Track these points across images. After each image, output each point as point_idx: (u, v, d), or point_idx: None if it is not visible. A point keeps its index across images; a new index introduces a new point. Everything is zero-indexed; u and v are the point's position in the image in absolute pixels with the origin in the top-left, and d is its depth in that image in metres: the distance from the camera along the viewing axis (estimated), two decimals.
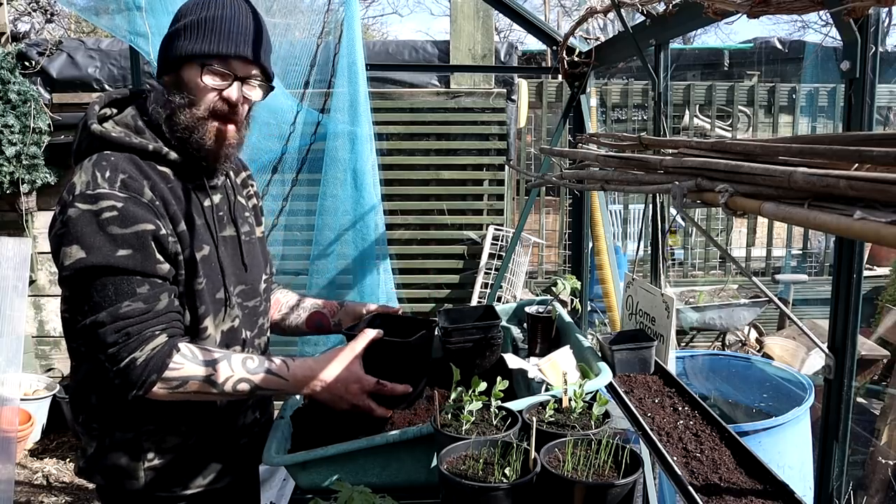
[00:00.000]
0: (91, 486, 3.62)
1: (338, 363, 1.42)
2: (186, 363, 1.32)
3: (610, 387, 1.55)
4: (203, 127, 1.37)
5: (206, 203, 1.46)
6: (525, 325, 1.96)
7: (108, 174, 1.29)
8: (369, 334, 1.46)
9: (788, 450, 2.66)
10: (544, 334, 1.86)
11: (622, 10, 1.81)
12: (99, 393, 1.42)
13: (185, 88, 1.36)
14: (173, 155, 1.39)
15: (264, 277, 1.62)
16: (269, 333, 1.68)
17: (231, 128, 1.40)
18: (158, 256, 1.32)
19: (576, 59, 2.47)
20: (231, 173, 1.58)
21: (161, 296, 1.32)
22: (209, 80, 1.35)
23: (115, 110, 1.46)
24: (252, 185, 1.69)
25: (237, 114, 1.39)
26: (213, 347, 1.40)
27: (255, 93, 1.42)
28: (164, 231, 1.32)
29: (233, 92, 1.37)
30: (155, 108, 1.39)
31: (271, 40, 1.47)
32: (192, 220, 1.40)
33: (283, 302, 1.78)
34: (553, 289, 2.00)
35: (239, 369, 1.36)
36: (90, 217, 1.26)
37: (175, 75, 1.38)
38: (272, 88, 1.48)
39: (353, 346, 1.44)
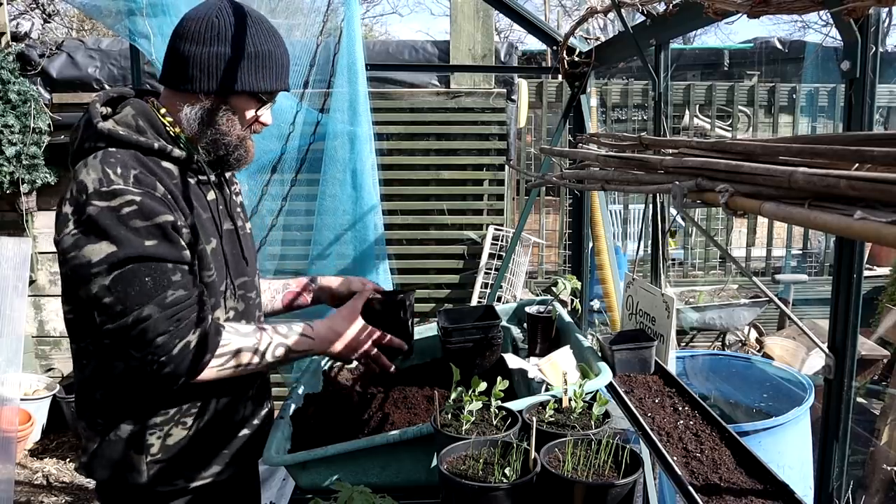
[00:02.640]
0: (91, 485, 3.61)
1: (349, 319, 1.58)
2: (233, 337, 1.39)
3: (610, 387, 1.55)
4: (244, 145, 1.47)
5: (210, 197, 1.49)
6: (525, 325, 1.96)
7: (119, 170, 1.30)
8: (364, 294, 1.65)
9: (788, 450, 2.66)
10: (544, 334, 1.86)
11: (622, 10, 1.81)
12: (105, 389, 1.43)
13: (230, 110, 1.42)
14: (177, 152, 1.41)
15: (258, 271, 1.67)
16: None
17: (253, 141, 1.52)
18: (183, 244, 1.35)
19: (576, 59, 2.47)
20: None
21: (194, 282, 1.36)
22: (261, 111, 1.46)
23: (109, 109, 1.46)
24: (236, 183, 1.72)
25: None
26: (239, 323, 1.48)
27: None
28: (180, 222, 1.35)
29: (269, 117, 1.49)
30: (190, 122, 1.42)
31: None
32: (200, 214, 1.43)
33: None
34: (553, 289, 2.00)
35: (274, 334, 1.45)
36: (110, 213, 1.26)
37: (224, 98, 1.41)
38: None
39: (354, 306, 1.60)
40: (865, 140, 0.74)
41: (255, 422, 1.61)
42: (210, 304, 1.42)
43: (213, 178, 1.50)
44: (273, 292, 1.81)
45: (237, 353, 1.38)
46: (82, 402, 1.48)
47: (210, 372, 1.36)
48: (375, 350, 1.59)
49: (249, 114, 1.44)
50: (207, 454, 1.50)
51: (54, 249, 1.34)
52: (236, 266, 1.53)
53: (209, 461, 1.50)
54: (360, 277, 1.89)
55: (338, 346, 1.54)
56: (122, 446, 1.43)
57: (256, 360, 1.41)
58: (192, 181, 1.45)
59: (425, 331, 1.99)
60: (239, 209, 1.64)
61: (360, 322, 1.58)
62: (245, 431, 1.57)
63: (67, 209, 1.30)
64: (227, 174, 1.63)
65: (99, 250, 1.26)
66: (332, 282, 1.83)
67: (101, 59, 4.41)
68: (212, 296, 1.43)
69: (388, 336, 1.61)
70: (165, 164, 1.40)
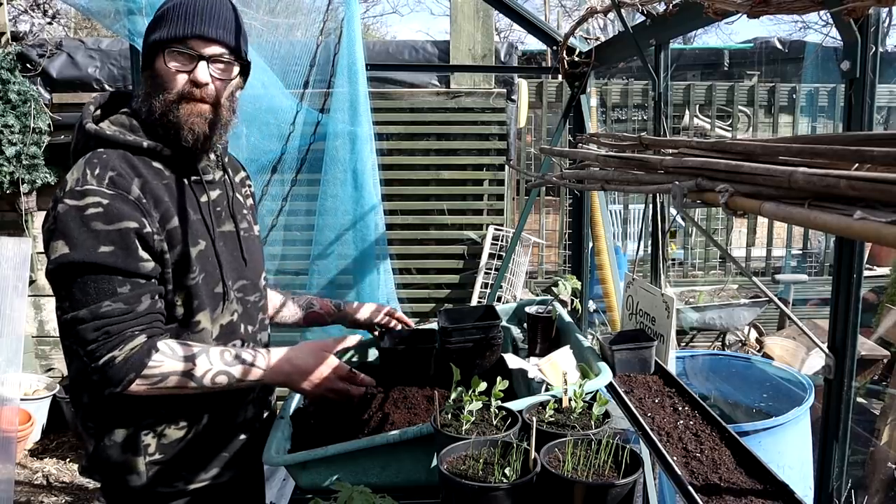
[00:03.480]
0: (91, 485, 3.61)
1: (314, 355, 1.50)
2: (166, 360, 1.34)
3: (610, 387, 1.55)
4: (176, 110, 1.38)
5: (203, 199, 1.47)
6: (525, 325, 1.96)
7: (97, 171, 1.31)
8: (350, 340, 1.64)
9: (788, 450, 2.66)
10: (544, 334, 1.86)
11: (622, 10, 1.81)
12: (90, 391, 1.42)
13: (156, 77, 1.39)
14: (167, 151, 1.41)
15: (263, 274, 1.65)
16: (269, 329, 1.70)
17: (204, 106, 1.41)
18: (142, 254, 1.33)
19: (576, 59, 2.47)
20: (230, 171, 1.59)
21: (143, 297, 1.33)
22: (173, 63, 1.38)
23: (109, 111, 1.47)
24: (249, 186, 1.71)
25: (209, 93, 1.40)
26: (194, 342, 1.41)
27: (227, 70, 1.43)
28: (149, 229, 1.33)
29: (199, 72, 1.38)
30: (137, 104, 1.42)
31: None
32: (187, 216, 1.41)
33: (271, 302, 1.81)
34: (553, 289, 2.00)
35: (217, 362, 1.38)
36: (75, 213, 1.28)
37: (150, 68, 1.41)
38: (247, 64, 1.49)
39: (329, 343, 1.55)
40: (865, 140, 0.74)
41: (257, 425, 1.60)
42: (194, 307, 1.42)
43: (209, 177, 1.49)
44: (297, 308, 1.83)
45: (167, 376, 1.33)
46: (74, 405, 1.48)
47: (139, 388, 1.32)
48: (340, 384, 1.50)
49: (166, 70, 1.37)
50: (206, 456, 1.49)
51: None
52: (233, 268, 1.51)
53: (208, 463, 1.50)
54: (386, 307, 1.88)
55: (295, 378, 1.47)
56: (118, 449, 1.42)
57: (192, 384, 1.36)
58: (184, 182, 1.44)
59: None
60: (246, 211, 1.62)
61: (324, 355, 1.50)
62: (245, 435, 1.56)
63: (50, 205, 1.34)
64: (237, 178, 1.63)
65: (57, 249, 1.29)
66: (356, 309, 1.85)
67: (101, 59, 4.41)
68: (196, 298, 1.42)
69: (360, 375, 1.54)
70: (156, 164, 1.41)
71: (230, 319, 1.49)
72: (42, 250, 1.37)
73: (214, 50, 1.39)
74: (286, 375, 1.46)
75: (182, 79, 1.38)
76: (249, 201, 1.68)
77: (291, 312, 1.84)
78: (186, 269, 1.40)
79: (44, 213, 1.39)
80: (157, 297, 1.37)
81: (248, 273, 1.56)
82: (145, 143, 1.38)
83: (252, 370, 1.42)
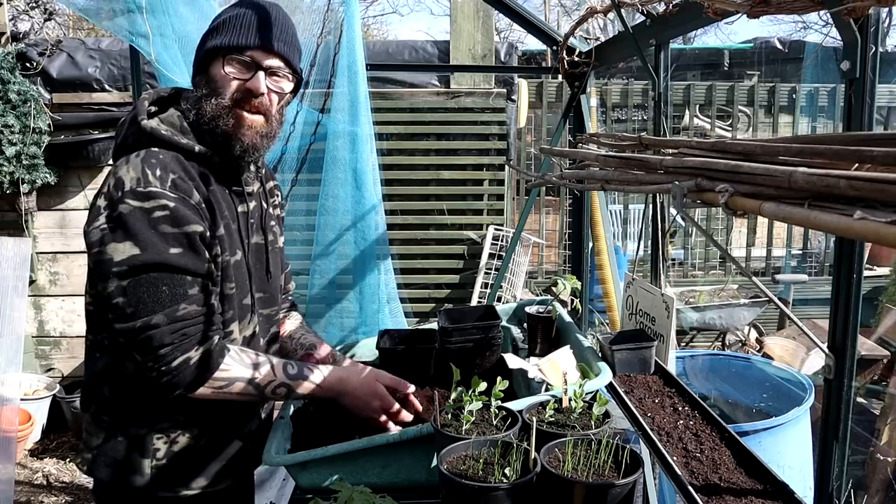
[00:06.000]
0: (91, 485, 3.62)
1: (366, 380, 1.51)
2: (235, 365, 1.36)
3: (610, 387, 1.55)
4: (227, 115, 1.37)
5: (241, 209, 1.48)
6: (525, 325, 1.96)
7: (158, 173, 1.30)
8: (406, 387, 1.55)
9: (788, 450, 2.66)
10: (544, 334, 1.86)
11: (622, 10, 1.81)
12: (113, 386, 1.42)
13: (211, 82, 1.38)
14: (217, 158, 1.40)
15: (282, 287, 1.65)
16: (278, 342, 1.69)
17: (258, 118, 1.40)
18: (207, 256, 1.33)
19: (576, 59, 2.47)
20: (262, 180, 1.59)
21: (211, 298, 1.34)
22: (230, 69, 1.37)
23: (157, 108, 1.46)
24: (278, 195, 1.69)
25: (262, 104, 1.40)
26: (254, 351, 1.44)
27: (283, 83, 1.43)
28: (208, 233, 1.34)
29: (256, 82, 1.38)
30: (186, 106, 1.41)
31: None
32: (229, 225, 1.42)
33: (286, 328, 1.76)
34: (553, 289, 2.00)
35: (280, 374, 1.42)
36: (142, 214, 1.26)
37: (205, 73, 1.40)
38: (300, 80, 1.49)
39: (384, 377, 1.53)
40: (865, 140, 0.74)
41: (259, 433, 1.59)
42: (228, 318, 1.42)
43: (248, 189, 1.49)
44: (297, 344, 1.72)
45: (234, 381, 1.37)
46: (89, 396, 1.47)
47: (207, 391, 1.34)
48: (383, 419, 1.49)
49: (222, 75, 1.37)
50: (209, 463, 1.49)
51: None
52: (258, 281, 1.52)
53: (210, 470, 1.49)
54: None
55: (345, 402, 1.48)
56: (127, 448, 1.42)
57: (254, 392, 1.40)
58: (225, 190, 1.44)
59: None
60: (274, 222, 1.61)
61: (377, 386, 1.50)
62: (248, 443, 1.56)
63: (101, 202, 1.30)
64: (268, 187, 1.62)
65: (122, 250, 1.25)
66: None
67: (101, 59, 4.41)
68: (230, 308, 1.42)
69: (404, 412, 1.52)
70: (203, 169, 1.40)
71: (253, 331, 1.50)
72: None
73: (273, 62, 1.39)
74: (336, 395, 1.48)
75: (236, 85, 1.37)
76: (278, 211, 1.66)
77: (297, 353, 1.73)
78: (226, 278, 1.40)
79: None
80: (217, 298, 1.38)
81: (269, 286, 1.57)
82: (197, 148, 1.37)
83: (310, 385, 1.45)
